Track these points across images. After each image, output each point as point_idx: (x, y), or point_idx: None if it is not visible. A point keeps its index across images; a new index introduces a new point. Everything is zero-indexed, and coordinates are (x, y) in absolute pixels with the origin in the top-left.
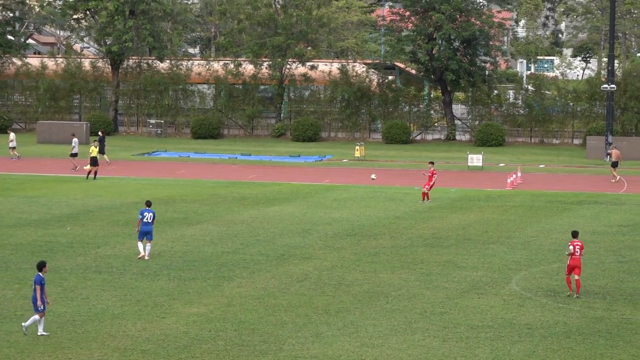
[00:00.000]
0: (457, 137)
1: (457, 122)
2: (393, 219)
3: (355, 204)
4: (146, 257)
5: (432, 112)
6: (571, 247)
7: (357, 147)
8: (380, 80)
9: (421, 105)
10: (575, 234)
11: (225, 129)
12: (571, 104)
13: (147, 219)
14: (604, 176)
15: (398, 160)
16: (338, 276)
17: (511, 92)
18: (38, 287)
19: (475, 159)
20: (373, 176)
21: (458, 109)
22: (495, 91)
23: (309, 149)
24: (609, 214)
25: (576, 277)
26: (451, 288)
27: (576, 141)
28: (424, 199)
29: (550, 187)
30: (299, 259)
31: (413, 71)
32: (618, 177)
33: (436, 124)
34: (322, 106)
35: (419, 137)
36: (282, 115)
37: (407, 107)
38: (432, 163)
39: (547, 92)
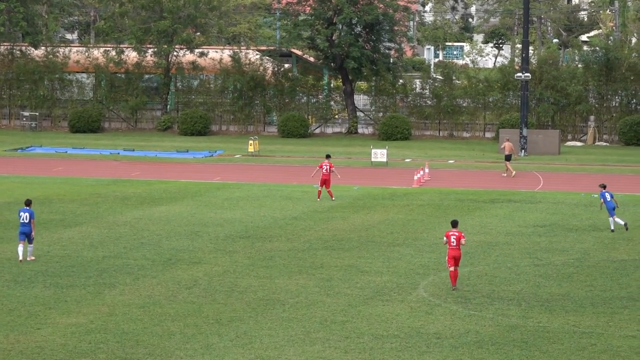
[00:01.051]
0: (360, 131)
1: (359, 114)
2: (290, 219)
3: (248, 204)
4: (29, 258)
5: (332, 103)
6: (445, 237)
7: (251, 142)
8: (276, 69)
9: (320, 96)
10: (454, 224)
11: (107, 122)
12: (482, 94)
13: (23, 219)
14: (520, 172)
15: (295, 155)
16: (230, 282)
17: (418, 82)
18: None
19: (379, 154)
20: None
21: (360, 100)
22: (401, 80)
23: (198, 143)
24: (524, 214)
25: (451, 268)
26: (353, 294)
27: (488, 134)
28: (319, 197)
29: (460, 185)
30: (187, 264)
31: (311, 59)
32: (514, 172)
33: (337, 116)
34: (212, 97)
35: (318, 131)
36: (168, 107)
37: (304, 98)
38: (329, 156)
39: (456, 81)
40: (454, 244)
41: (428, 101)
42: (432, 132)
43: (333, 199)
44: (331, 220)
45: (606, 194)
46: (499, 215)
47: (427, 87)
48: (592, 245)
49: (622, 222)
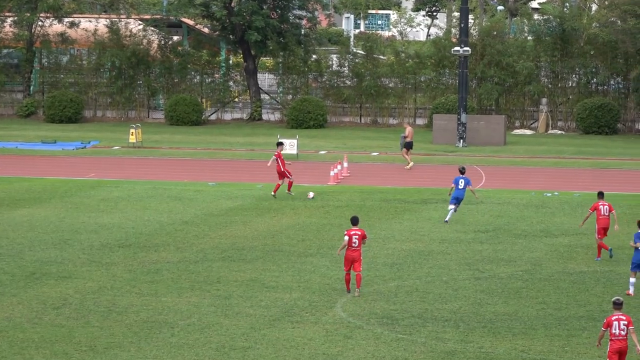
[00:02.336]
0: (264, 117)
1: (263, 96)
2: (180, 224)
3: (130, 206)
4: None
5: (230, 83)
6: (346, 237)
7: (132, 131)
8: (163, 42)
9: (217, 75)
10: (354, 221)
11: None
12: (413, 72)
13: None
14: (457, 166)
15: (186, 147)
16: (107, 301)
17: (335, 58)
18: None
19: (289, 145)
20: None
21: (265, 80)
22: (314, 56)
23: (69, 132)
24: (463, 216)
25: (355, 272)
26: (257, 315)
27: (420, 121)
28: (275, 192)
29: (386, 182)
30: (55, 279)
31: (206, 30)
32: (411, 163)
33: (236, 100)
34: (85, 76)
35: (214, 117)
36: (31, 88)
37: (197, 78)
38: (281, 144)
39: (381, 57)
40: (356, 244)
41: (347, 81)
42: (351, 119)
43: (274, 194)
44: (230, 226)
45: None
46: (432, 219)
47: (346, 64)
48: (544, 254)
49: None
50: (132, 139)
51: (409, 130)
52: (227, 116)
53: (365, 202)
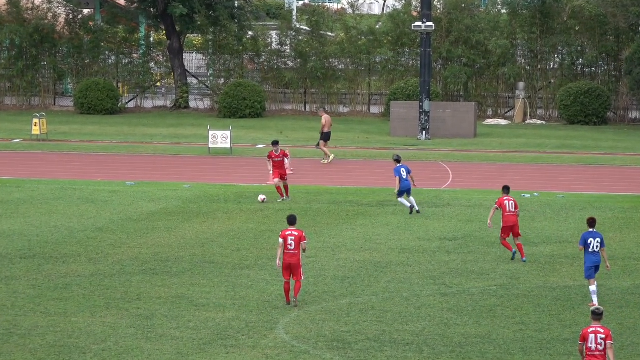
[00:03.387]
0: (192, 104)
1: (191, 80)
2: (93, 231)
3: (33, 209)
4: None
5: (152, 65)
6: (281, 239)
7: (36, 121)
8: (71, 17)
9: (135, 55)
10: (291, 220)
11: None
12: (367, 52)
13: None
14: (420, 163)
15: (100, 139)
16: (7, 322)
17: (274, 34)
18: None
19: (220, 138)
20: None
21: (193, 61)
22: (250, 33)
23: None
24: (426, 221)
25: (295, 280)
26: (185, 338)
27: (374, 109)
28: (283, 195)
29: (335, 181)
30: None
31: (122, 2)
32: (331, 156)
33: (159, 84)
34: None
35: (132, 104)
36: None
37: (113, 58)
38: (277, 143)
39: (329, 33)
40: (292, 247)
41: (289, 62)
42: (295, 107)
43: (281, 199)
44: (152, 233)
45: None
46: (390, 224)
47: (288, 43)
48: (522, 266)
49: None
50: (36, 130)
51: (325, 119)
52: (148, 103)
53: (312, 204)
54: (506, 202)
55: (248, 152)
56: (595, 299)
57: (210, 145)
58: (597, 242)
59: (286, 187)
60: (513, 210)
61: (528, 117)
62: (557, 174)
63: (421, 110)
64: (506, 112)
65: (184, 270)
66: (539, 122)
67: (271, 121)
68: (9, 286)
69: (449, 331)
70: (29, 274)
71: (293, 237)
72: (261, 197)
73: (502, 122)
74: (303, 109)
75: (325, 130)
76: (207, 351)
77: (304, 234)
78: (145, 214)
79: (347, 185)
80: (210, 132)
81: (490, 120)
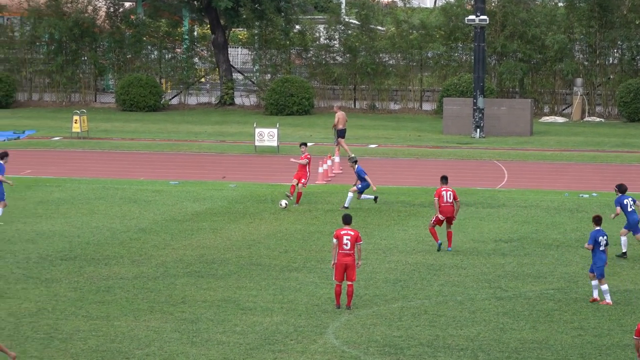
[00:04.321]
0: (237, 101)
1: (236, 76)
2: (136, 232)
3: (74, 209)
4: None
5: (196, 60)
6: (335, 238)
7: (76, 118)
8: (112, 10)
9: (179, 50)
10: (347, 219)
11: None
12: (418, 47)
13: None
14: (474, 162)
15: (142, 137)
16: (48, 325)
17: (322, 29)
18: None
19: (267, 136)
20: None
21: (238, 56)
22: (297, 26)
23: None
24: (481, 222)
25: (348, 282)
26: (231, 343)
27: (427, 106)
28: (292, 196)
29: (386, 181)
30: None
31: None
32: (350, 152)
33: (203, 80)
34: (17, 51)
35: (175, 101)
36: None
37: (155, 53)
38: (305, 145)
39: (379, 27)
40: (347, 246)
41: (338, 57)
42: (344, 103)
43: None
44: (197, 234)
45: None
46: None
47: (337, 37)
48: (581, 268)
49: None
50: (76, 127)
51: (339, 115)
52: (192, 100)
53: (362, 204)
54: (444, 192)
55: (296, 150)
56: (608, 297)
57: (257, 144)
58: (605, 239)
59: (299, 194)
60: (450, 201)
61: (586, 114)
62: (616, 174)
63: (475, 107)
64: (563, 109)
65: (230, 272)
66: (598, 119)
67: (319, 118)
68: (49, 289)
69: (504, 336)
70: (70, 276)
71: (349, 237)
72: (282, 202)
73: (559, 119)
74: (353, 105)
75: (340, 127)
76: (254, 356)
77: (359, 235)
78: (190, 214)
79: (398, 185)
80: (257, 130)
81: (546, 118)
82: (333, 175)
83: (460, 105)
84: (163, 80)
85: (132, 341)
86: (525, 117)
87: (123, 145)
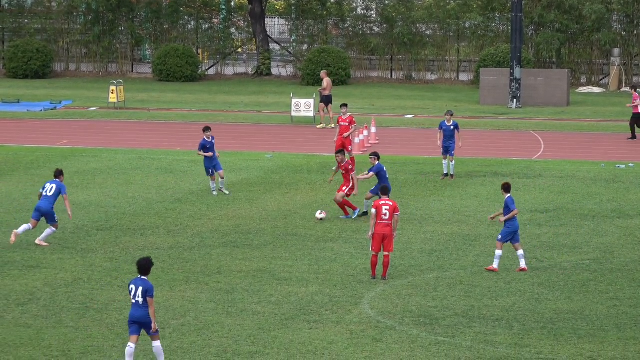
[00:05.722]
0: (274, 71)
1: (273, 46)
2: (172, 202)
3: (110, 180)
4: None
5: (233, 30)
6: (374, 209)
7: (113, 88)
8: None
9: (215, 20)
10: (385, 190)
11: None
12: (455, 17)
13: (47, 191)
14: (510, 132)
15: (179, 108)
16: (83, 296)
17: None
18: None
19: (304, 106)
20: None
21: (275, 26)
22: None
23: (34, 90)
24: (517, 193)
25: (385, 253)
26: (266, 313)
27: (463, 76)
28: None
29: (422, 151)
30: (19, 269)
31: None
32: (331, 125)
33: (240, 50)
34: (54, 21)
35: (212, 71)
36: None
37: (192, 23)
38: (346, 105)
39: None
40: (386, 217)
41: (375, 28)
42: (381, 74)
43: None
44: (233, 204)
45: None
46: (479, 196)
47: (374, 7)
48: (617, 239)
49: None
50: (113, 98)
51: (326, 81)
52: (229, 70)
53: (398, 175)
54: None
55: (332, 121)
56: (519, 262)
57: (293, 114)
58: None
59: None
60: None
61: (623, 84)
62: None
63: (512, 78)
64: (600, 80)
65: (265, 243)
66: None
67: (356, 89)
68: (85, 259)
69: (539, 307)
70: (106, 247)
71: (387, 207)
72: (320, 214)
73: (596, 89)
74: (389, 76)
75: (326, 93)
76: (290, 327)
77: (397, 206)
78: (227, 184)
79: (434, 155)
80: (293, 100)
81: (583, 88)
82: (369, 145)
83: (497, 75)
84: (200, 51)
85: (167, 311)
86: (562, 88)
87: (159, 116)
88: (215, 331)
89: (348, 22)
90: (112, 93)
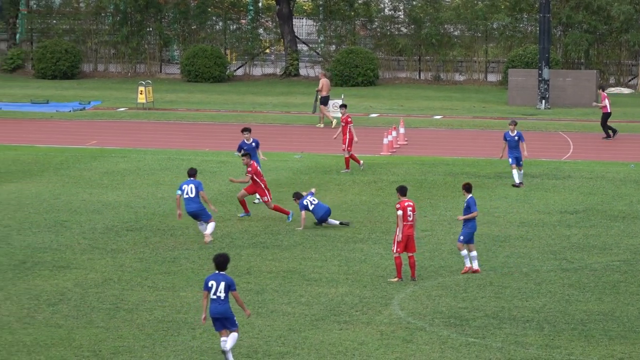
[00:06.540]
0: (302, 72)
1: (301, 47)
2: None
3: (139, 180)
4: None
5: (260, 31)
6: (400, 210)
7: (142, 89)
8: None
9: (243, 21)
10: (404, 191)
11: None
12: (483, 17)
13: (189, 192)
14: (539, 133)
15: (207, 108)
16: (114, 296)
17: (387, 0)
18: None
19: (332, 107)
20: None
21: (303, 27)
22: None
23: (63, 90)
24: (546, 194)
25: (410, 253)
26: (296, 314)
27: (492, 77)
28: (348, 166)
29: (451, 152)
30: (50, 269)
31: None
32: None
33: (268, 51)
34: (83, 22)
35: (240, 72)
36: (17, 36)
37: (220, 24)
38: (345, 106)
39: None
40: (411, 218)
41: (403, 28)
42: (409, 74)
43: (348, 169)
44: (262, 205)
45: None
46: (509, 197)
47: (401, 8)
48: None
49: None
50: (142, 98)
51: (323, 82)
52: (257, 71)
53: (427, 176)
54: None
55: (360, 121)
56: (470, 263)
57: (332, 114)
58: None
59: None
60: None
61: None
62: None
63: (540, 79)
64: (629, 80)
65: (295, 243)
66: None
67: (385, 89)
68: (115, 259)
69: (570, 308)
70: (136, 247)
71: (411, 207)
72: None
73: (625, 90)
74: (417, 76)
75: (323, 94)
76: (320, 327)
77: (414, 206)
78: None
79: (463, 156)
80: (331, 102)
81: (612, 89)
82: (398, 146)
83: (526, 76)
84: (228, 51)
85: (197, 312)
86: (590, 89)
87: (188, 116)
88: (246, 332)
89: (376, 23)
90: (141, 94)
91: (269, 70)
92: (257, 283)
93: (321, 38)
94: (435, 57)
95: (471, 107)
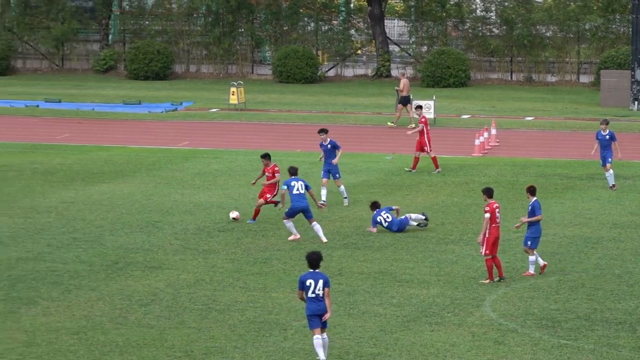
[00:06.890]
0: (394, 73)
1: (393, 48)
2: None
3: (231, 181)
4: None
5: (352, 32)
6: (489, 213)
7: (233, 90)
8: None
9: (335, 22)
10: (490, 193)
11: (20, 60)
12: (576, 19)
13: (297, 189)
14: (631, 134)
15: (299, 109)
16: (206, 297)
17: (479, 1)
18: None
19: (424, 108)
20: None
21: (395, 28)
22: None
23: (156, 92)
24: (639, 196)
25: (489, 256)
26: (388, 315)
27: (584, 78)
28: (437, 167)
29: (543, 153)
30: (142, 270)
31: None
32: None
33: (360, 52)
34: (175, 23)
35: (332, 73)
36: (110, 37)
37: (312, 25)
38: (420, 107)
39: None
40: (499, 219)
41: (494, 29)
42: (501, 75)
43: (439, 169)
44: (354, 206)
45: None
46: (601, 199)
47: (493, 9)
48: None
49: None
50: (233, 99)
51: (403, 82)
52: (349, 72)
53: (518, 177)
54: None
55: (452, 122)
56: (530, 267)
57: (414, 116)
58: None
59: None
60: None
61: None
62: None
63: (633, 80)
64: None
65: (386, 244)
66: None
67: (476, 90)
68: (207, 260)
69: None
70: (228, 248)
71: (499, 209)
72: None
73: None
74: (509, 77)
75: (404, 94)
76: (411, 328)
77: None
78: (346, 186)
79: (555, 157)
80: (413, 102)
81: None
82: (489, 147)
83: (618, 77)
84: (319, 52)
85: (289, 313)
86: None
87: (280, 117)
88: (337, 332)
89: (467, 24)
90: (233, 94)
91: (360, 71)
92: (349, 284)
93: (413, 39)
94: (527, 58)
95: (563, 108)
